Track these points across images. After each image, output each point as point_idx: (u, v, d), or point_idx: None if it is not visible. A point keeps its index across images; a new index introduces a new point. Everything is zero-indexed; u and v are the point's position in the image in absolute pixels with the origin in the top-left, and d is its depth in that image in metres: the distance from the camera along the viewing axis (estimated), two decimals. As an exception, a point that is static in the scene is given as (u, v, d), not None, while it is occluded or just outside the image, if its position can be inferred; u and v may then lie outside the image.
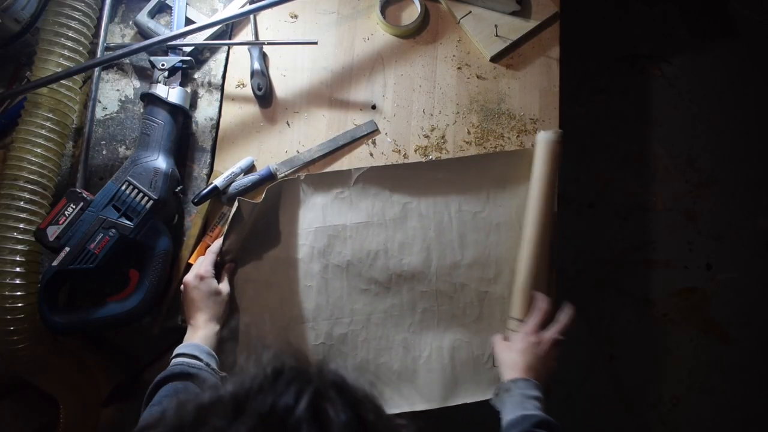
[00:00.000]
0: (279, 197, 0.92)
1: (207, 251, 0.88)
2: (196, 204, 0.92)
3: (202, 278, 0.84)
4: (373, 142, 0.99)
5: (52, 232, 0.83)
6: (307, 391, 0.37)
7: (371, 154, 0.98)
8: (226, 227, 0.87)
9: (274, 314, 0.89)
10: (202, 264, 0.86)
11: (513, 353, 0.82)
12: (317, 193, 0.93)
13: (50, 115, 0.87)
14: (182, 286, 0.86)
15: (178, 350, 0.79)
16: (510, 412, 0.76)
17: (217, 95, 1.00)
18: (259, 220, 0.91)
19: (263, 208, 0.89)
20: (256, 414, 0.35)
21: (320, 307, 0.89)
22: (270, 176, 0.95)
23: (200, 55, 1.02)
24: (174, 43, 0.95)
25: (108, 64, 0.99)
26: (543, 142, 0.91)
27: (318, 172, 0.96)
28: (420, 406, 0.86)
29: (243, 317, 0.89)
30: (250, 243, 0.90)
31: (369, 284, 0.90)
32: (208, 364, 0.77)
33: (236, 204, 0.86)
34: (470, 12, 1.04)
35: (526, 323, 0.85)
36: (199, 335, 0.82)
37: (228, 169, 0.94)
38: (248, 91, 1.00)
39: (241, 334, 0.88)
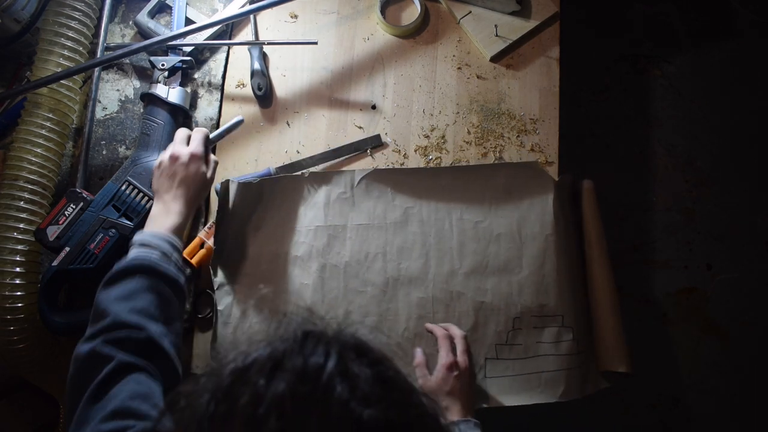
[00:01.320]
0: (279, 193, 0.92)
1: (196, 131, 0.82)
2: None
3: (194, 156, 0.78)
4: (373, 142, 0.99)
5: (52, 232, 0.83)
6: (333, 351, 0.40)
7: (371, 155, 0.98)
8: (216, 212, 0.89)
9: (267, 310, 0.89)
10: (195, 142, 0.80)
11: (444, 397, 0.79)
12: (320, 192, 0.93)
13: (50, 115, 0.87)
14: (166, 158, 0.79)
15: (144, 238, 0.72)
16: None
17: (217, 95, 1.00)
18: (258, 213, 0.91)
19: (257, 197, 0.91)
20: (292, 371, 0.39)
21: (315, 305, 0.89)
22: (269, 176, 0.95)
23: (200, 55, 1.02)
24: (174, 43, 0.95)
25: (108, 64, 0.99)
26: (589, 191, 0.97)
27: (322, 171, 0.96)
28: None
29: (235, 311, 0.89)
30: (248, 237, 0.91)
31: (365, 286, 0.90)
32: (176, 263, 0.72)
33: (222, 183, 0.89)
34: (470, 12, 1.04)
35: (440, 358, 0.82)
36: (171, 222, 0.75)
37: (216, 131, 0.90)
38: (248, 91, 1.00)
39: (232, 328, 0.88)
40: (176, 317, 0.69)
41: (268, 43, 0.99)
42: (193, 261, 0.90)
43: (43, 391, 0.92)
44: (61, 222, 0.83)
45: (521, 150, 0.99)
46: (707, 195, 1.72)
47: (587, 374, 0.91)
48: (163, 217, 0.76)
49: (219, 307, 0.89)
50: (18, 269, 0.82)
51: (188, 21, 1.00)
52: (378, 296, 0.90)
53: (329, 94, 1.01)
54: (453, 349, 0.83)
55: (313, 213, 0.92)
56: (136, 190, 0.86)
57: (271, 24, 1.04)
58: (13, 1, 0.88)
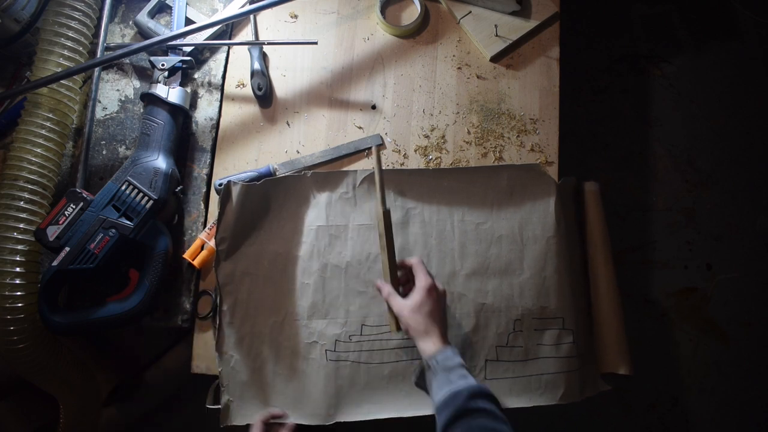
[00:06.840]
0: (280, 193, 0.92)
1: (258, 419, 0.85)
2: None
3: None
4: (373, 142, 0.99)
5: (52, 232, 0.83)
6: None
7: (367, 156, 0.98)
8: (218, 213, 0.89)
9: (269, 309, 0.89)
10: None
11: (424, 319, 0.76)
12: (322, 192, 0.93)
13: (50, 115, 0.87)
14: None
15: None
16: (437, 391, 0.72)
17: (217, 95, 1.00)
18: (260, 213, 0.91)
19: (259, 198, 0.90)
20: None
21: (316, 305, 0.89)
22: (269, 175, 0.95)
23: (200, 55, 1.02)
24: (174, 43, 0.95)
25: (108, 64, 0.99)
26: (593, 193, 0.96)
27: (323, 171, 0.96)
28: (409, 413, 0.86)
29: (238, 310, 0.89)
30: (250, 236, 0.91)
31: (366, 287, 0.90)
32: None
33: (224, 185, 0.88)
34: (470, 12, 1.03)
35: (419, 280, 0.78)
36: None
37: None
38: (248, 91, 1.00)
39: (236, 327, 0.88)
40: None
41: (268, 43, 0.99)
42: (195, 262, 0.90)
43: (43, 391, 0.92)
44: (61, 222, 0.83)
45: (521, 150, 0.99)
46: (707, 195, 1.72)
47: (587, 377, 0.91)
48: None
49: (223, 308, 0.89)
50: (18, 269, 0.82)
51: (188, 21, 1.00)
52: (379, 297, 0.90)
53: (329, 94, 1.01)
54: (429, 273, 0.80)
55: (314, 213, 0.92)
56: (136, 190, 0.86)
57: (271, 24, 1.04)
58: (13, 1, 0.88)
